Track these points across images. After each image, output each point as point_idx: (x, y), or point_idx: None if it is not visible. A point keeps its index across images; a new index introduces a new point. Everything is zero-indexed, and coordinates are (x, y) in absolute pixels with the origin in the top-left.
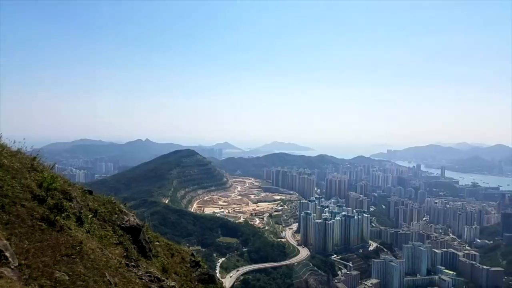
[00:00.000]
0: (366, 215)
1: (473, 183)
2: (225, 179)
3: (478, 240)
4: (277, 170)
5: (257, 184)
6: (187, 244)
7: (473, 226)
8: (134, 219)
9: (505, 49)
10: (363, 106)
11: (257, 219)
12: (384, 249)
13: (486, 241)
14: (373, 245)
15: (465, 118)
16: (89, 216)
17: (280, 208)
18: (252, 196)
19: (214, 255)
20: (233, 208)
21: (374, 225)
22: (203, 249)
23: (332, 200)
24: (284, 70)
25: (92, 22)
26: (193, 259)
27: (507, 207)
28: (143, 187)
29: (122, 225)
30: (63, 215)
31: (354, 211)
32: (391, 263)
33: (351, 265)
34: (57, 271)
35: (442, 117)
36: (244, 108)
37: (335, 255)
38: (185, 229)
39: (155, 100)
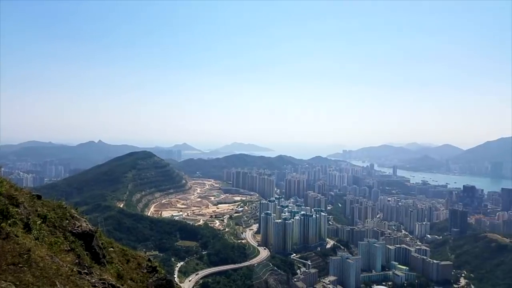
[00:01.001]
0: (324, 214)
1: (423, 181)
2: (184, 181)
3: (428, 235)
4: (237, 171)
5: (217, 185)
6: (144, 250)
7: (424, 223)
8: (87, 224)
9: (455, 52)
10: (320, 107)
11: (217, 221)
12: (341, 246)
13: (436, 236)
14: (330, 243)
15: (415, 119)
16: (38, 222)
17: (240, 209)
18: (212, 198)
19: (173, 259)
20: (193, 210)
21: (331, 223)
22: (161, 254)
23: (292, 200)
24: (243, 71)
25: (38, 18)
26: (149, 264)
27: (454, 203)
28: (96, 191)
29: (74, 231)
30: (9, 221)
31: (313, 210)
32: (347, 260)
33: (309, 263)
34: (3, 281)
35: (394, 118)
36: (204, 108)
37: (294, 254)
38: (142, 234)
39: (108, 99)
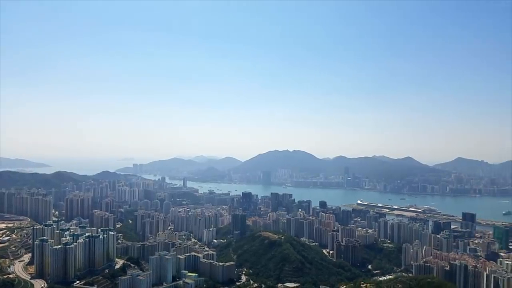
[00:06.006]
0: (113, 233)
1: (209, 191)
2: None
3: (215, 240)
4: (1, 192)
5: None
6: None
7: (211, 229)
8: None
9: (220, 77)
10: (109, 120)
11: None
12: (131, 264)
13: (221, 240)
14: (120, 263)
15: (201, 133)
16: None
17: (6, 238)
18: None
19: None
20: None
21: (120, 241)
22: None
23: (74, 222)
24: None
25: None
26: None
27: (236, 209)
28: None
29: None
30: None
31: (99, 230)
32: (138, 277)
33: None
34: None
35: (183, 133)
36: None
37: (78, 281)
38: None
39: None
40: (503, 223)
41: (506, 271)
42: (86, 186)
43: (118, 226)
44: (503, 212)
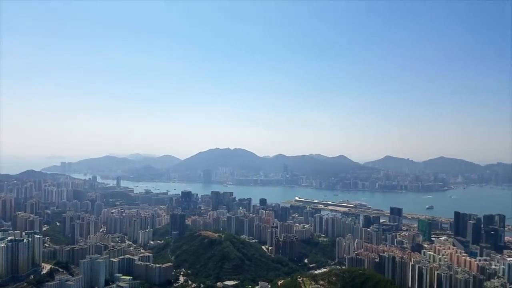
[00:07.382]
0: (38, 236)
1: (146, 190)
2: None
3: (151, 241)
4: None
5: None
6: None
7: (147, 230)
8: None
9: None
10: (32, 114)
11: None
12: (60, 269)
13: (158, 241)
14: (46, 268)
15: (137, 130)
16: None
17: None
18: None
19: None
20: None
21: (47, 245)
22: None
23: None
24: None
25: None
26: None
27: (175, 208)
28: None
29: None
30: None
31: (24, 233)
32: (67, 282)
33: None
34: None
35: (119, 128)
36: None
37: None
38: None
39: None
40: (426, 217)
41: (429, 261)
42: (9, 186)
43: (44, 228)
44: (426, 207)
